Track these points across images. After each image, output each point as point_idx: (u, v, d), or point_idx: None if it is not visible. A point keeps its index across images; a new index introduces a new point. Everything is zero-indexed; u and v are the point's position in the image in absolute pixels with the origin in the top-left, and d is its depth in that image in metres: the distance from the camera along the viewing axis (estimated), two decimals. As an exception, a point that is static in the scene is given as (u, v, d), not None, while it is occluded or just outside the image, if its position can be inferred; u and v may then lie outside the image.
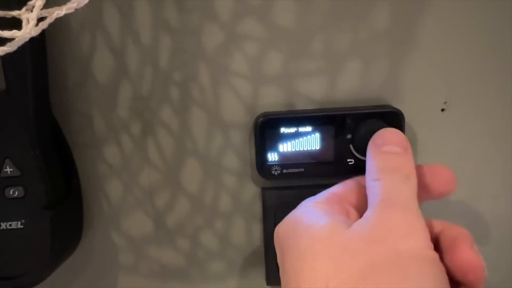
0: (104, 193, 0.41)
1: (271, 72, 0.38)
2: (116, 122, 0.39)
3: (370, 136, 0.32)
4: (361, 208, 0.29)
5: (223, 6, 0.36)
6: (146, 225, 0.42)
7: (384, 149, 0.30)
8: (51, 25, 0.23)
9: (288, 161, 0.38)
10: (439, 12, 0.37)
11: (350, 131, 0.37)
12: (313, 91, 0.38)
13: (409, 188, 0.28)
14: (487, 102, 0.39)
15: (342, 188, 0.31)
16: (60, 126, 0.39)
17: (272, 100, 0.38)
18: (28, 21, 0.22)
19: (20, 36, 0.21)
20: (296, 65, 0.38)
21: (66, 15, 0.23)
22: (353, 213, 0.30)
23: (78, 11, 0.24)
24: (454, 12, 0.37)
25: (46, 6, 0.22)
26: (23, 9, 0.22)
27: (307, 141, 0.38)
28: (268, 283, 0.42)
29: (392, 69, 0.38)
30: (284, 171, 0.38)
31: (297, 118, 0.37)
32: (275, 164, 0.38)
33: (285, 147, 0.38)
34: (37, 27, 0.22)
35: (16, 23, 0.22)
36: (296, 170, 0.38)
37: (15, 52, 0.22)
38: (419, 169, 0.30)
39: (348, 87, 0.38)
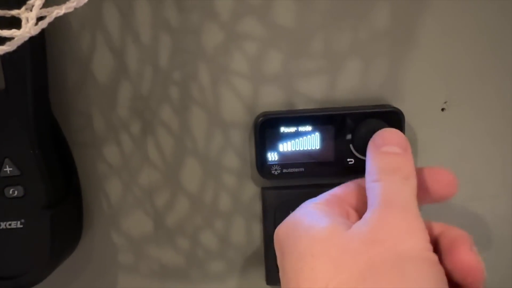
0: (104, 193, 0.41)
1: (271, 72, 0.38)
2: (116, 122, 0.39)
3: (370, 135, 0.31)
4: (361, 209, 0.29)
5: (223, 5, 0.36)
6: (146, 224, 0.42)
7: (384, 149, 0.30)
8: (50, 24, 0.23)
9: (288, 161, 0.38)
10: (439, 11, 0.37)
11: (350, 131, 0.37)
12: (313, 91, 0.38)
13: (409, 189, 0.28)
14: (487, 102, 0.39)
15: (342, 190, 0.31)
16: (60, 125, 0.39)
17: (272, 99, 0.38)
18: (27, 20, 0.22)
19: (20, 35, 0.21)
20: (296, 64, 0.38)
21: (65, 15, 0.23)
22: (353, 214, 0.30)
23: (77, 11, 0.24)
24: (454, 11, 0.37)
25: (45, 5, 0.22)
26: (23, 8, 0.22)
27: (307, 141, 0.38)
28: (268, 283, 0.42)
29: (392, 69, 0.38)
30: (284, 170, 0.38)
31: (297, 118, 0.37)
32: (275, 164, 0.38)
33: (285, 146, 0.38)
34: (36, 26, 0.22)
35: (15, 22, 0.22)
36: (296, 170, 0.38)
37: (14, 52, 0.22)
38: (419, 172, 0.30)
39: (348, 86, 0.38)
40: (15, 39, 0.22)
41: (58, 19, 0.23)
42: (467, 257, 0.26)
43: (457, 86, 0.38)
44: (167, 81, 0.38)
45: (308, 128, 0.37)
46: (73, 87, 0.39)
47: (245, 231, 0.41)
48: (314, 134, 0.37)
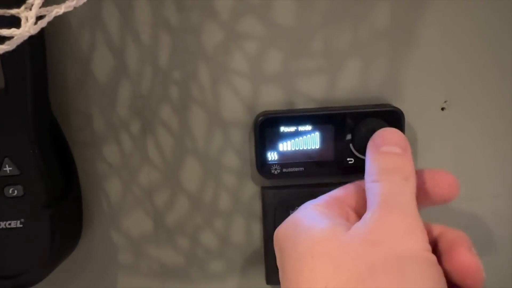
0: (104, 192, 0.41)
1: (271, 71, 0.38)
2: (116, 121, 0.39)
3: (370, 135, 0.31)
4: (361, 211, 0.29)
5: (223, 4, 0.36)
6: (146, 224, 0.41)
7: (383, 149, 0.30)
8: (50, 23, 0.23)
9: (288, 160, 0.38)
10: (439, 11, 0.37)
11: (350, 130, 0.37)
12: (313, 90, 0.38)
13: (408, 190, 0.28)
14: (487, 101, 0.39)
15: (343, 192, 0.31)
16: (60, 125, 0.39)
17: (272, 99, 0.38)
18: (27, 19, 0.22)
19: (19, 34, 0.21)
20: (296, 64, 0.38)
21: (65, 14, 0.23)
22: (353, 216, 0.30)
23: (77, 10, 0.24)
24: (454, 11, 0.37)
25: (45, 4, 0.22)
26: (22, 8, 0.22)
27: (307, 140, 0.38)
28: (268, 282, 0.42)
29: (392, 68, 0.38)
30: (284, 170, 0.38)
31: (297, 117, 0.37)
32: (275, 163, 0.38)
33: (285, 146, 0.38)
34: (36, 26, 0.22)
35: (15, 22, 0.22)
36: (296, 169, 0.38)
37: (14, 51, 0.22)
38: (421, 174, 0.30)
39: (348, 86, 0.38)
40: (15, 38, 0.22)
41: (57, 19, 0.23)
42: (466, 258, 0.26)
43: (457, 85, 0.38)
44: (167, 81, 0.38)
45: (308, 127, 0.37)
46: (73, 87, 0.39)
47: (245, 231, 0.41)
48: (314, 133, 0.37)
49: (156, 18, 0.37)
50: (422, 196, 0.29)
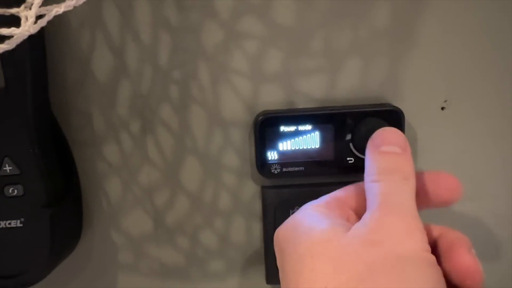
0: (104, 192, 0.41)
1: (271, 71, 0.38)
2: (116, 121, 0.39)
3: (370, 134, 0.31)
4: (362, 212, 0.29)
5: (223, 4, 0.36)
6: (146, 223, 0.41)
7: (383, 149, 0.30)
8: (50, 23, 0.23)
9: (288, 160, 0.38)
10: (439, 10, 0.37)
11: (350, 130, 0.37)
12: (313, 90, 0.38)
13: (408, 190, 0.27)
14: (487, 101, 0.39)
15: (343, 192, 0.31)
16: (60, 124, 0.39)
17: (272, 98, 0.38)
18: (26, 18, 0.22)
19: (19, 33, 0.21)
20: (296, 63, 0.38)
21: (65, 13, 0.23)
22: (353, 217, 0.30)
23: (77, 9, 0.24)
24: (454, 10, 0.37)
25: (44, 3, 0.22)
26: (22, 7, 0.22)
27: (307, 140, 0.38)
28: (268, 282, 0.42)
29: (392, 68, 0.38)
30: (284, 169, 0.38)
31: (297, 117, 0.37)
32: (275, 163, 0.38)
33: (285, 145, 0.38)
34: (35, 25, 0.22)
35: (14, 21, 0.22)
36: (296, 169, 0.38)
37: (14, 50, 0.22)
38: (423, 176, 0.30)
39: (348, 85, 0.38)
40: (14, 37, 0.22)
41: (57, 18, 0.23)
42: (465, 259, 0.26)
43: (457, 85, 0.38)
44: (167, 80, 0.38)
45: (308, 127, 0.37)
46: (72, 86, 0.39)
47: (245, 230, 0.41)
48: (314, 133, 0.37)
49: (156, 18, 0.37)
50: (424, 198, 0.29)
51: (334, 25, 0.37)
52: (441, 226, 0.29)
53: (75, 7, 0.23)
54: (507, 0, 0.37)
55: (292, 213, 0.38)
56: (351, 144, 0.37)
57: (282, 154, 0.38)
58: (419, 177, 0.30)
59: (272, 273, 0.41)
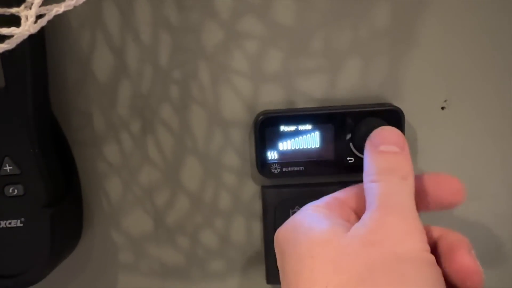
0: (104, 192, 0.41)
1: (271, 70, 0.38)
2: (116, 120, 0.39)
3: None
4: (362, 212, 0.29)
5: (223, 4, 0.36)
6: (146, 223, 0.42)
7: (381, 149, 0.29)
8: (50, 23, 0.23)
9: (288, 159, 0.38)
10: (439, 10, 0.37)
11: (350, 130, 0.37)
12: (313, 89, 0.38)
13: (407, 189, 0.28)
14: (487, 101, 0.39)
15: (343, 193, 0.31)
16: (60, 124, 0.39)
17: (272, 98, 0.38)
18: (26, 18, 0.22)
19: (19, 33, 0.21)
20: (296, 63, 0.38)
21: (65, 13, 0.23)
22: (354, 217, 0.30)
23: (77, 9, 0.24)
24: (454, 10, 0.37)
25: (45, 3, 0.22)
26: (22, 7, 0.22)
27: (307, 140, 0.38)
28: (268, 282, 0.42)
29: (392, 67, 0.38)
30: (284, 169, 0.38)
31: (297, 116, 0.37)
32: (275, 163, 0.38)
33: (285, 145, 0.38)
34: (35, 25, 0.22)
35: (15, 21, 0.22)
36: (296, 169, 0.38)
37: (14, 50, 0.22)
38: (426, 179, 0.30)
39: (348, 85, 0.38)
40: (15, 37, 0.22)
41: (57, 18, 0.23)
42: (465, 261, 0.26)
43: (457, 84, 0.38)
44: (167, 80, 0.38)
45: (308, 126, 0.37)
46: (73, 86, 0.39)
47: (245, 230, 0.41)
48: (314, 132, 0.38)
49: (156, 18, 0.37)
50: (426, 201, 0.29)
51: (334, 25, 0.37)
52: (441, 228, 0.29)
53: (75, 7, 0.23)
54: (507, 0, 0.37)
55: (292, 213, 0.38)
56: (351, 144, 0.37)
57: (282, 154, 0.38)
58: (422, 179, 0.30)
59: (272, 273, 0.41)
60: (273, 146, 0.38)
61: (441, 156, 0.40)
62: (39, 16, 0.22)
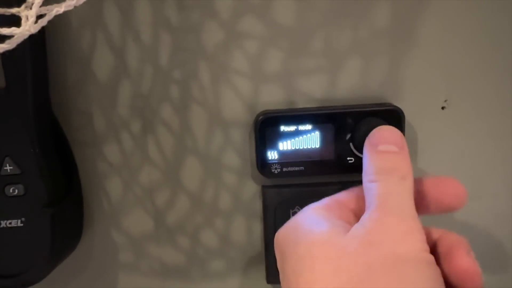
0: (104, 191, 0.41)
1: (271, 70, 0.38)
2: (116, 120, 0.39)
3: (371, 134, 0.31)
4: (362, 214, 0.29)
5: (223, 4, 0.36)
6: (146, 223, 0.42)
7: (380, 149, 0.30)
8: (51, 23, 0.23)
9: (288, 159, 0.38)
10: (439, 10, 0.37)
11: (350, 130, 0.37)
12: (313, 89, 0.38)
13: (406, 189, 0.28)
14: (488, 100, 0.39)
15: (344, 195, 0.31)
16: (60, 124, 0.39)
17: (272, 98, 0.38)
18: (27, 18, 0.22)
19: (19, 33, 0.21)
20: (296, 63, 0.38)
21: (65, 13, 0.23)
22: (354, 219, 0.30)
23: (77, 9, 0.24)
24: (454, 10, 0.37)
25: (45, 3, 0.22)
26: (22, 7, 0.22)
27: (307, 140, 0.38)
28: (268, 282, 0.42)
29: (392, 67, 0.38)
30: (284, 169, 0.38)
31: (297, 116, 0.37)
32: (275, 162, 0.38)
33: (285, 145, 0.38)
34: (36, 25, 0.22)
35: (15, 21, 0.22)
36: (296, 169, 0.38)
37: (14, 50, 0.22)
38: (427, 182, 0.30)
39: (348, 85, 0.38)
40: (15, 37, 0.22)
41: (58, 18, 0.23)
42: (464, 262, 0.26)
43: (457, 84, 0.38)
44: (167, 80, 0.38)
45: (308, 126, 0.37)
46: (73, 86, 0.39)
47: (245, 230, 0.41)
48: (314, 132, 0.38)
49: (157, 18, 0.37)
50: (427, 204, 0.29)
51: (334, 25, 0.37)
52: (441, 229, 0.29)
53: (75, 7, 0.23)
54: (507, 0, 0.37)
55: (293, 212, 0.38)
56: (351, 144, 0.37)
57: (282, 153, 0.38)
58: (423, 182, 0.30)
59: (273, 273, 0.41)
60: (273, 146, 0.38)
61: (441, 156, 0.40)
62: (39, 16, 0.22)
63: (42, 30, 0.23)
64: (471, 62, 0.38)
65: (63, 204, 0.37)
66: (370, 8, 0.36)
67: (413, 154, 0.39)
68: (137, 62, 0.38)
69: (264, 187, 0.40)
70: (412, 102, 0.38)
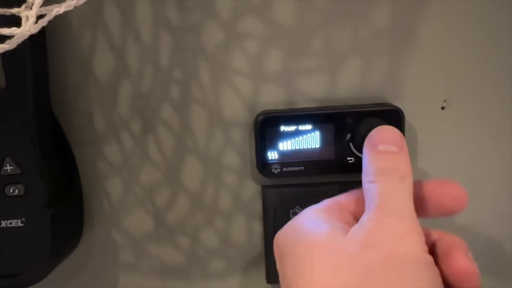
0: (105, 191, 0.41)
1: (271, 70, 0.38)
2: (117, 120, 0.39)
3: (370, 134, 0.31)
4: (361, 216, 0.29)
5: (223, 4, 0.36)
6: (147, 223, 0.42)
7: (380, 149, 0.29)
8: (51, 23, 0.23)
9: (288, 159, 0.38)
10: (439, 10, 0.37)
11: (350, 130, 0.37)
12: (313, 89, 0.38)
13: (405, 190, 0.28)
14: (487, 100, 0.39)
15: (344, 197, 0.31)
16: (61, 124, 0.39)
17: (272, 98, 0.38)
18: (27, 18, 0.22)
19: (20, 33, 0.21)
20: (296, 63, 0.38)
21: (66, 13, 0.23)
22: (353, 221, 0.30)
23: (78, 9, 0.24)
24: (454, 10, 0.37)
25: (45, 3, 0.22)
26: (23, 7, 0.22)
27: (307, 139, 0.38)
28: (268, 282, 0.42)
29: (392, 67, 0.38)
30: (284, 169, 0.38)
31: (297, 116, 0.38)
32: (275, 162, 0.38)
33: (285, 145, 0.38)
34: (36, 25, 0.22)
35: (15, 21, 0.22)
36: (296, 169, 0.38)
37: (15, 50, 0.22)
38: (428, 184, 0.30)
39: (348, 85, 0.38)
40: (15, 37, 0.22)
41: (58, 18, 0.23)
42: (462, 263, 0.26)
43: (457, 84, 0.38)
44: (167, 80, 0.38)
45: (308, 126, 0.37)
46: (73, 86, 0.39)
47: (245, 230, 0.42)
48: (314, 132, 0.38)
49: (157, 18, 0.37)
50: (427, 207, 0.29)
51: (334, 25, 0.37)
52: (439, 231, 0.29)
53: (75, 7, 0.23)
54: (507, 0, 0.37)
55: (293, 212, 0.39)
56: (351, 144, 0.37)
57: (282, 153, 0.38)
58: (423, 185, 0.30)
59: (273, 273, 0.40)
60: (273, 146, 0.38)
61: (441, 156, 0.40)
62: (39, 16, 0.22)
63: (42, 30, 0.23)
64: (471, 62, 0.38)
65: (63, 204, 0.37)
66: (370, 8, 0.36)
67: (413, 154, 0.39)
68: (137, 62, 0.38)
69: (264, 187, 0.40)
70: (412, 102, 0.38)
